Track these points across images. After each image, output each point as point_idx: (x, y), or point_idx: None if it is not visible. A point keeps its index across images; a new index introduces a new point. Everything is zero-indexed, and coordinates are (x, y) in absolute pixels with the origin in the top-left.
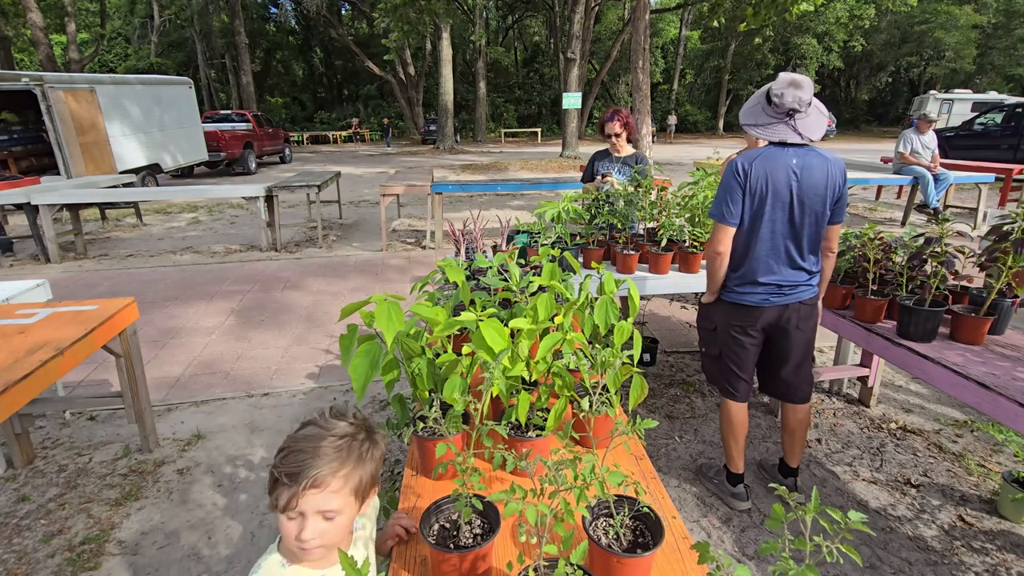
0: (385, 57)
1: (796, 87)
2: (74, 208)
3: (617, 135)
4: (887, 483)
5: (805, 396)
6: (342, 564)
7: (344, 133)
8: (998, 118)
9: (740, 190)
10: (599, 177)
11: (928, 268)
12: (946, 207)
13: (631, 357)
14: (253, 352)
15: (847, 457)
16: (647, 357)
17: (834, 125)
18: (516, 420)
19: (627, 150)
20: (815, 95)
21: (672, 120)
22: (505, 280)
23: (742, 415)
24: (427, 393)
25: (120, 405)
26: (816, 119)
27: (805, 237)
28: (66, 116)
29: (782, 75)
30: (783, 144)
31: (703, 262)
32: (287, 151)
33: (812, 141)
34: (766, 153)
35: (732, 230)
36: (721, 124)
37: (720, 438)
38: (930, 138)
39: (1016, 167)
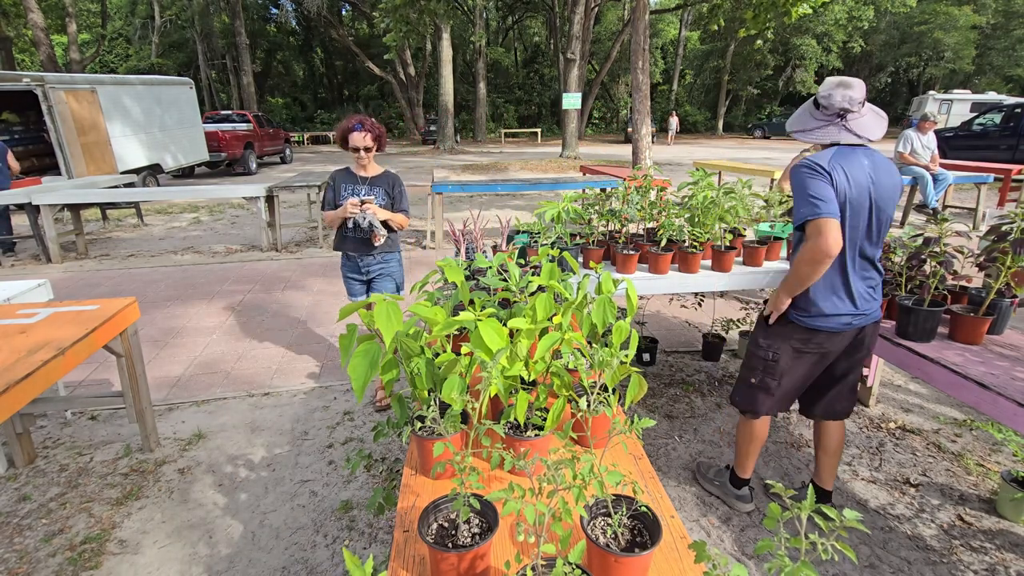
0: (385, 56)
1: (845, 87)
2: (75, 208)
3: (368, 149)
4: (886, 482)
5: (850, 411)
6: (347, 564)
7: None
8: (997, 118)
9: (830, 187)
10: (348, 203)
11: (927, 268)
12: (945, 207)
13: (628, 356)
14: (254, 352)
15: (846, 456)
16: (647, 357)
17: None
18: (514, 420)
19: (375, 169)
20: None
21: (673, 122)
22: (504, 280)
23: (766, 427)
24: (426, 393)
25: (121, 405)
26: (873, 119)
27: (878, 246)
28: (67, 116)
29: (828, 79)
30: (849, 146)
31: (703, 262)
32: (287, 151)
33: (871, 141)
34: (839, 152)
35: (838, 223)
36: (720, 125)
37: (712, 436)
38: (930, 138)
39: (1015, 167)
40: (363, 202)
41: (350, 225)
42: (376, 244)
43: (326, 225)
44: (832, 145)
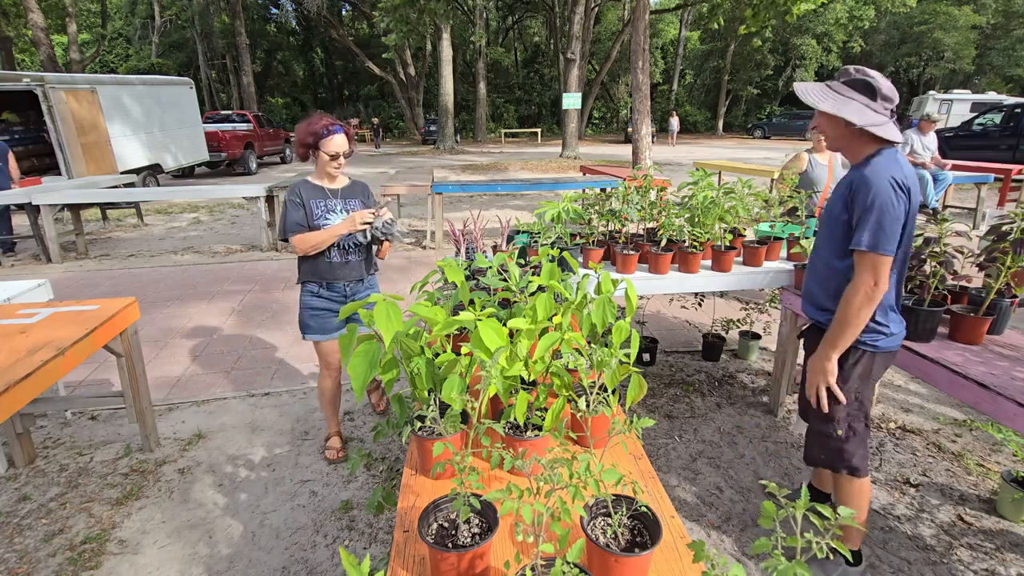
0: (384, 55)
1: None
2: (75, 208)
3: (347, 156)
4: (886, 482)
5: None
6: (343, 563)
7: None
8: (997, 118)
9: (904, 215)
10: (357, 215)
11: (927, 268)
12: (945, 207)
13: (628, 356)
14: (254, 352)
15: None
16: (646, 357)
17: None
18: (514, 419)
19: (344, 180)
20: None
21: (674, 123)
22: (505, 280)
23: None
24: (426, 392)
25: (121, 405)
26: None
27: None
28: (67, 116)
29: (869, 70)
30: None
31: (703, 262)
32: (287, 151)
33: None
34: (901, 160)
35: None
36: (720, 125)
37: (712, 436)
38: (931, 139)
39: (1015, 167)
40: (378, 211)
41: (362, 241)
42: (382, 258)
43: (301, 251)
44: (892, 144)
